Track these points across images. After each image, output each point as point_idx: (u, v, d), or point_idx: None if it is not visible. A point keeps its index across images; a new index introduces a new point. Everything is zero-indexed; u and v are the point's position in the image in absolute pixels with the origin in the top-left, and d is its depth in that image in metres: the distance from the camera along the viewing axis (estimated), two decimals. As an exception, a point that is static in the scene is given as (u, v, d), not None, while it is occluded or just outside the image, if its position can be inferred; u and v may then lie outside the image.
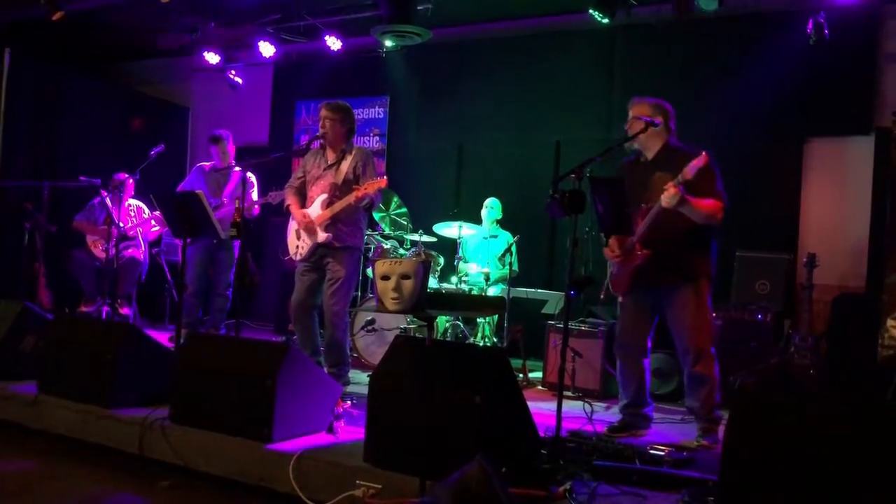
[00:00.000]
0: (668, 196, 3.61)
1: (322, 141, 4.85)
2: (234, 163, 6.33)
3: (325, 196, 4.76)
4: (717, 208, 3.74)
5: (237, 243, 5.98)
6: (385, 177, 4.71)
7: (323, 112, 4.82)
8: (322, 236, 4.71)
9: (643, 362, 4.06)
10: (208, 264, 6.15)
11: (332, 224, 4.72)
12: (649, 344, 4.07)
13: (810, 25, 5.62)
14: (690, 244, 3.85)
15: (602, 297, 4.18)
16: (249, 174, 6.03)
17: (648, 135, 3.90)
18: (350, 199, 4.62)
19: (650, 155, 4.00)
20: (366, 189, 4.57)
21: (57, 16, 6.94)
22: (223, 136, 6.30)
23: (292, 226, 4.91)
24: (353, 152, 4.86)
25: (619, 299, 4.13)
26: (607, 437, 3.69)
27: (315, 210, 4.77)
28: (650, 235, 3.81)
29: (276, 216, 7.06)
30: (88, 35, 8.29)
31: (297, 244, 4.84)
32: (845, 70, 5.92)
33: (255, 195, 6.13)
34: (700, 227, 3.79)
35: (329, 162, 4.87)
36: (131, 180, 6.72)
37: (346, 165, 4.80)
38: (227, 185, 6.23)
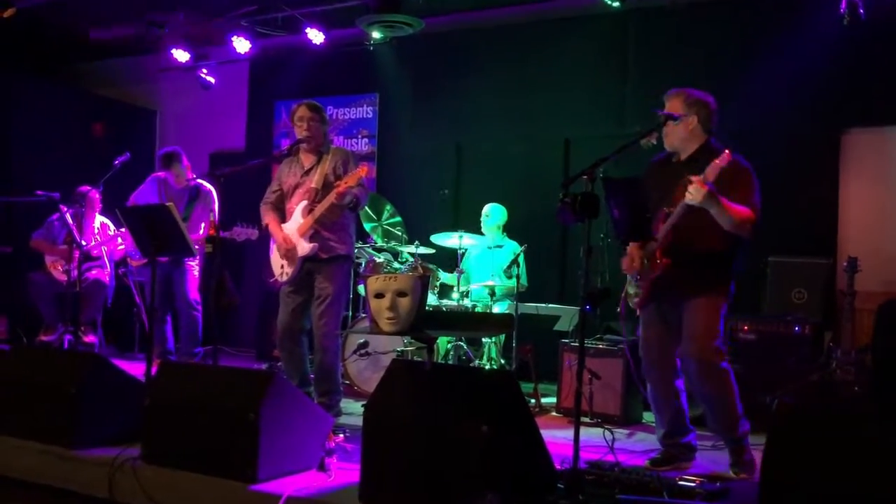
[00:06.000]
0: (693, 189, 3.51)
1: (303, 145, 4.87)
2: (192, 176, 6.27)
3: (305, 203, 4.77)
4: (748, 217, 3.65)
5: (189, 260, 5.96)
6: (364, 165, 4.71)
7: (303, 112, 4.83)
8: (306, 247, 4.71)
9: (675, 384, 3.97)
10: (168, 285, 6.14)
11: (315, 233, 4.72)
12: (678, 363, 3.96)
13: (843, 4, 5.63)
14: (713, 254, 3.78)
15: (620, 311, 4.09)
16: (206, 184, 5.99)
17: (683, 134, 3.84)
18: (331, 198, 4.62)
19: (684, 156, 3.92)
20: (346, 182, 4.57)
21: (8, 13, 6.98)
22: (175, 154, 6.19)
23: (275, 245, 4.91)
24: (331, 152, 4.89)
25: (638, 314, 4.06)
26: (643, 469, 3.61)
27: (296, 221, 4.77)
28: (672, 240, 3.77)
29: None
30: (42, 34, 8.33)
31: (282, 263, 4.82)
32: (884, 52, 5.92)
33: (215, 209, 6.02)
34: (725, 236, 3.71)
35: (306, 167, 4.89)
36: (96, 193, 6.71)
37: (325, 167, 4.81)
38: (187, 200, 6.20)
